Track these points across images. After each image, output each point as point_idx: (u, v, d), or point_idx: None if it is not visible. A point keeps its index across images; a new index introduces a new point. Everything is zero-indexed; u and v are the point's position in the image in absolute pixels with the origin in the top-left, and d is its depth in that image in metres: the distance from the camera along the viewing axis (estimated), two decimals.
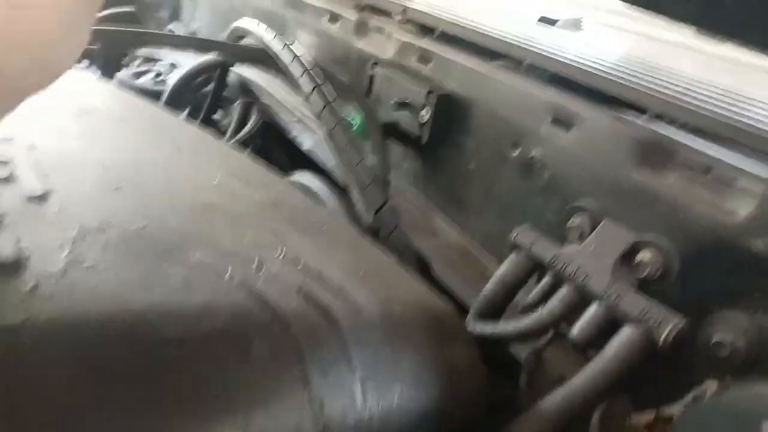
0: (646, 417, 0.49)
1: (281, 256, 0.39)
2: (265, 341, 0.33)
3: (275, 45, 0.62)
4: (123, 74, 1.12)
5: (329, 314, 0.37)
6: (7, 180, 0.37)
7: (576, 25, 0.75)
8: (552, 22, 0.75)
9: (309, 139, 0.90)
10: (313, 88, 0.59)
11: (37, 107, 0.50)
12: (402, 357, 0.39)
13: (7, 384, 0.24)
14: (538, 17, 0.75)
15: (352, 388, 0.35)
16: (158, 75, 1.12)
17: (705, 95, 0.53)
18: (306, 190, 0.73)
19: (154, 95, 0.89)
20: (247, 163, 0.55)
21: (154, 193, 0.41)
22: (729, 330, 0.43)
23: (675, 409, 0.45)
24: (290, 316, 0.35)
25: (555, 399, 0.44)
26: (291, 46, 0.61)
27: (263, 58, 0.64)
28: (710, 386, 0.42)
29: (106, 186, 0.39)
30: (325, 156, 0.84)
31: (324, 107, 0.59)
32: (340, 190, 0.74)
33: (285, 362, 0.33)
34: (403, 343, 0.39)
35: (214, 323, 0.31)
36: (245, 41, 0.71)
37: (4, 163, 0.39)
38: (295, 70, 0.59)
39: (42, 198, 0.36)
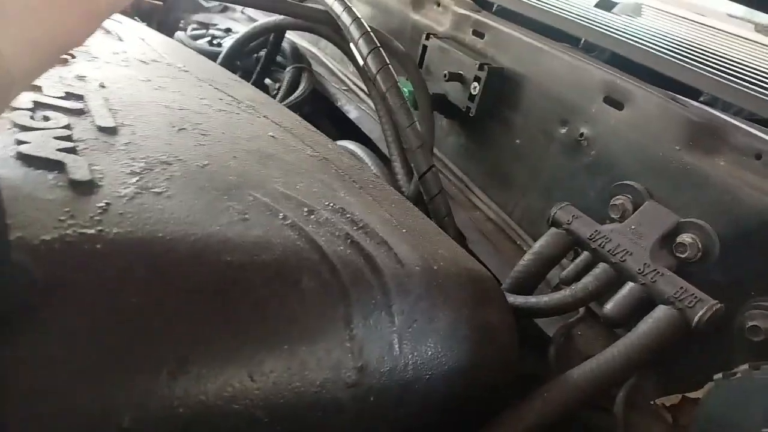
0: (672, 400, 0.49)
1: (330, 206, 0.41)
2: (313, 279, 0.34)
3: (337, 6, 0.63)
4: (180, 35, 1.15)
5: (373, 262, 0.38)
6: (81, 112, 0.39)
7: (635, 10, 0.74)
8: (610, 6, 0.74)
9: (356, 108, 0.91)
10: (371, 50, 0.60)
11: (107, 53, 0.53)
12: (439, 311, 0.40)
13: (85, 282, 0.26)
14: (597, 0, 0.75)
15: (391, 334, 0.37)
16: (214, 38, 1.15)
17: (759, 83, 0.52)
18: (352, 154, 0.75)
19: (210, 56, 0.91)
20: (298, 122, 0.56)
21: (215, 137, 0.43)
22: (765, 316, 0.43)
23: (701, 393, 0.45)
24: (337, 259, 0.36)
25: (583, 370, 0.45)
26: (353, 9, 0.62)
27: (325, 19, 0.65)
28: (742, 368, 0.42)
29: (172, 126, 0.42)
30: (372, 126, 0.86)
31: (380, 69, 0.60)
32: (383, 160, 0.75)
33: (330, 301, 0.35)
34: (442, 298, 0.40)
35: (269, 255, 0.32)
36: (308, 2, 0.72)
37: (78, 96, 0.41)
38: (355, 31, 0.60)
39: (113, 130, 0.38)
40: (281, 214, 0.36)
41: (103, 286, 0.27)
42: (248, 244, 0.32)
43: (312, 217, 0.38)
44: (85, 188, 0.31)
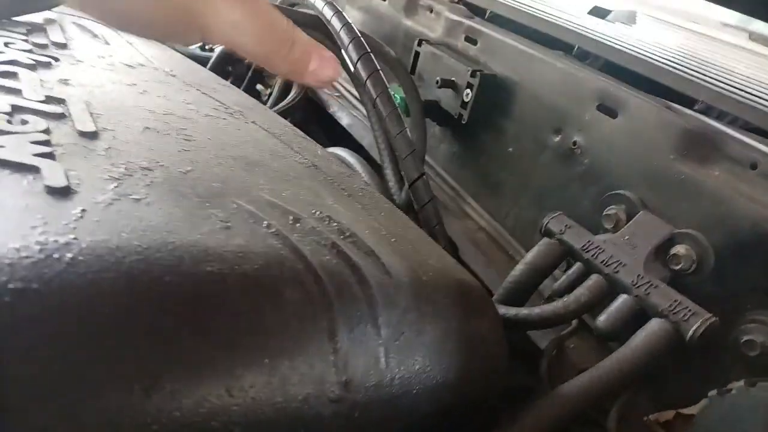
0: (666, 416, 0.48)
1: (317, 214, 0.40)
2: (297, 290, 0.33)
3: (327, 11, 0.62)
4: None
5: (360, 273, 0.37)
6: (62, 116, 0.38)
7: (630, 18, 0.74)
8: (604, 14, 0.74)
9: (348, 115, 0.90)
10: (360, 56, 0.59)
11: (92, 56, 0.52)
12: (427, 324, 0.39)
13: (55, 292, 0.25)
14: (591, 7, 0.74)
15: (377, 348, 0.36)
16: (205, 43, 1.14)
17: (755, 92, 0.52)
18: (342, 161, 0.74)
19: (201, 61, 0.91)
20: (288, 128, 0.56)
21: (200, 143, 0.42)
22: (762, 330, 0.42)
23: (696, 409, 0.44)
24: (322, 270, 0.35)
25: (577, 384, 0.44)
26: (343, 14, 0.61)
27: (315, 24, 0.64)
28: (737, 385, 0.42)
29: (155, 131, 0.41)
30: (363, 132, 0.85)
31: (370, 75, 0.59)
32: (374, 167, 0.74)
33: (314, 313, 0.33)
34: (430, 310, 0.39)
35: (250, 265, 0.31)
36: (297, 7, 0.71)
37: (60, 100, 0.40)
38: (345, 36, 0.60)
39: (94, 135, 0.37)
40: (265, 222, 0.35)
41: (75, 297, 0.26)
42: (229, 254, 0.31)
43: (297, 225, 0.37)
44: (60, 194, 0.30)
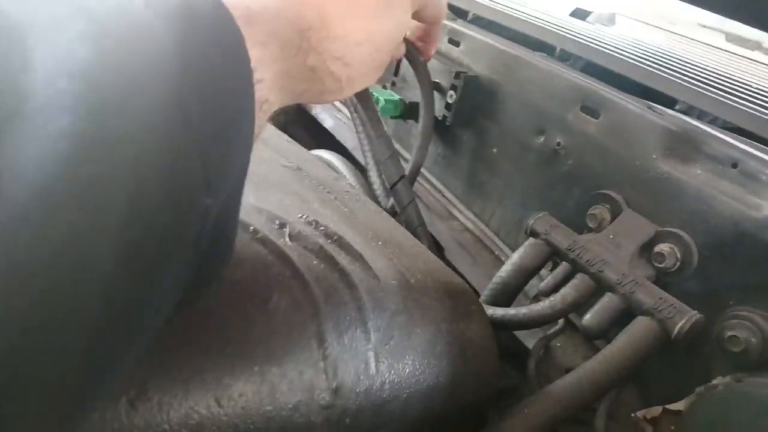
0: (653, 412, 0.48)
1: (303, 219, 0.40)
2: (284, 296, 0.33)
3: None
4: None
5: (347, 278, 0.37)
6: None
7: (610, 19, 0.75)
8: (584, 15, 0.75)
9: (332, 117, 0.90)
10: None
11: None
12: (417, 327, 0.39)
13: None
14: (572, 9, 0.75)
15: (367, 352, 0.35)
16: None
17: (734, 92, 0.52)
18: (327, 164, 0.73)
19: None
20: (272, 132, 0.55)
21: None
22: (745, 326, 0.42)
23: (682, 405, 0.45)
24: (309, 275, 0.35)
25: (564, 383, 0.44)
26: None
27: None
28: (723, 381, 0.42)
29: None
30: (347, 135, 0.85)
31: None
32: (359, 170, 0.74)
33: (302, 319, 0.33)
34: (419, 313, 0.39)
35: (237, 272, 0.31)
36: None
37: None
38: None
39: None
40: (251, 228, 0.35)
41: None
42: None
43: (284, 230, 0.37)
44: None
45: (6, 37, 0.16)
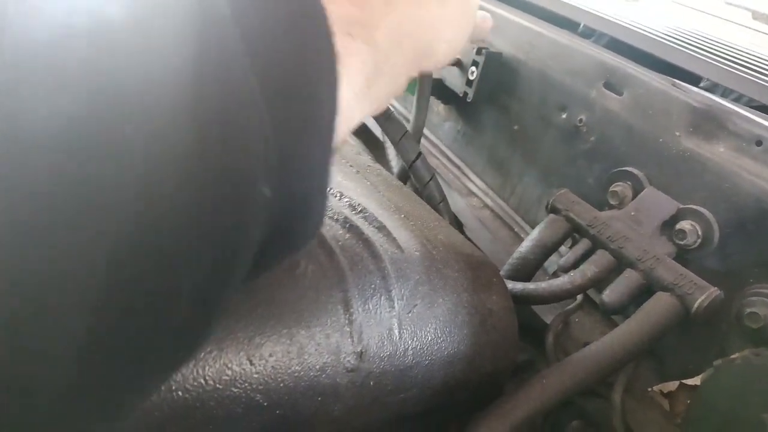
0: (669, 387, 0.49)
1: (328, 190, 0.40)
2: (311, 262, 0.34)
3: None
4: None
5: (372, 247, 0.38)
6: None
7: None
8: None
9: None
10: None
11: None
12: (439, 296, 0.40)
13: None
14: None
15: (390, 319, 0.36)
16: None
17: (759, 69, 0.52)
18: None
19: None
20: None
21: None
22: (765, 302, 0.43)
23: (698, 380, 0.45)
24: (335, 244, 0.36)
25: (582, 356, 0.44)
26: None
27: None
28: (742, 355, 0.42)
29: None
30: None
31: None
32: (377, 146, 0.74)
33: (328, 284, 0.34)
34: (442, 283, 0.40)
35: None
36: None
37: None
38: None
39: None
40: None
41: None
42: None
43: None
44: None
45: None
